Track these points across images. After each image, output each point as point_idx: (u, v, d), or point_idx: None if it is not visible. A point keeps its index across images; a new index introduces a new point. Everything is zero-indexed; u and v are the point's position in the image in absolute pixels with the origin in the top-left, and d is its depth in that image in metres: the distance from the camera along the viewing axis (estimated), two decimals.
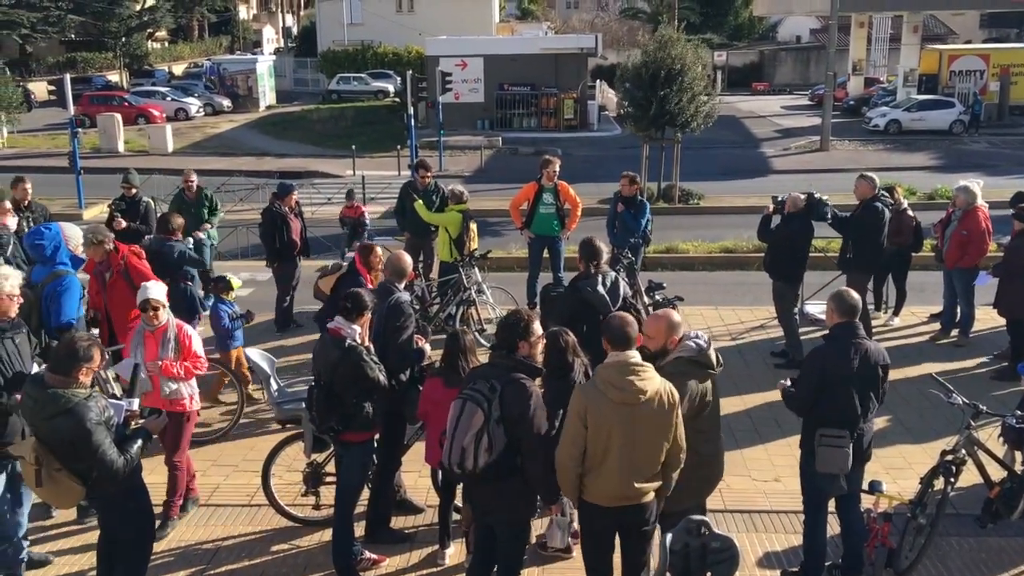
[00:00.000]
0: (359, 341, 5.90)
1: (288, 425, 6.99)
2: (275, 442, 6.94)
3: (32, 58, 54.25)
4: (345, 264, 8.98)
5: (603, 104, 42.28)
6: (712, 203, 22.07)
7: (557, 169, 11.71)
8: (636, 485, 4.78)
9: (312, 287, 9.24)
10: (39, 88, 47.92)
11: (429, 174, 12.19)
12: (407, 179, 14.72)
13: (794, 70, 60.35)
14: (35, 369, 5.80)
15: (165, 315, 6.58)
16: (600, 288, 6.95)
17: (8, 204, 10.08)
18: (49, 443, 4.91)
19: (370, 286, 7.74)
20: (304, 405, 6.21)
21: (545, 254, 11.98)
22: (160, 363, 6.43)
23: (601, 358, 4.96)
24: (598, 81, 44.50)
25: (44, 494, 5.15)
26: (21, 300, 5.98)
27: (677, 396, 4.80)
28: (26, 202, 11.33)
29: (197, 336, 6.83)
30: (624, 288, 7.21)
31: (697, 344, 5.18)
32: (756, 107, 46.80)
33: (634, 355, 4.80)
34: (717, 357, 5.24)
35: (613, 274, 7.19)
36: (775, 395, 6.64)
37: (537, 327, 5.20)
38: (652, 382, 4.74)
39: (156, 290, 6.59)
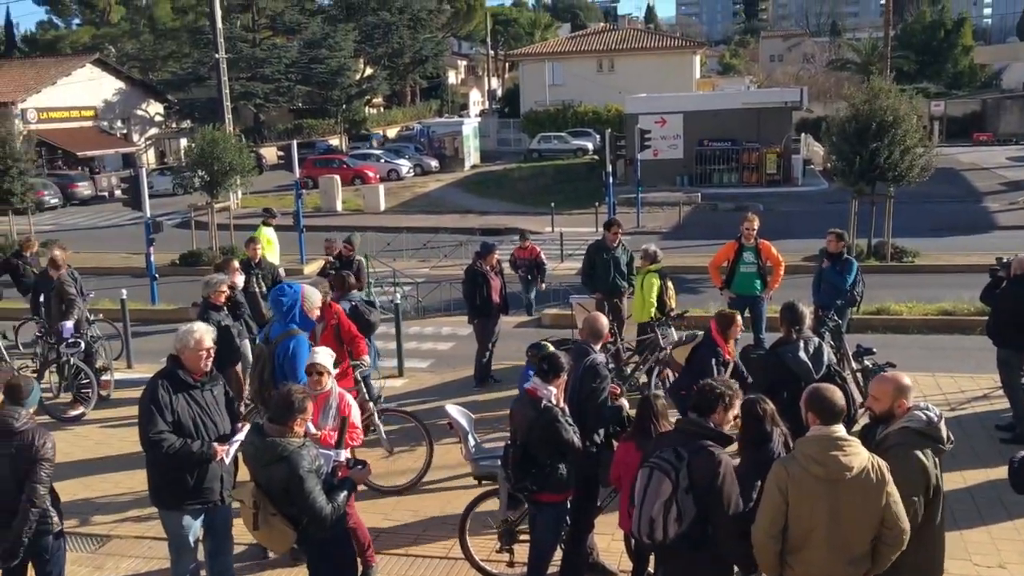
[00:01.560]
0: (555, 402, 5.96)
1: (484, 481, 7.13)
2: (472, 497, 7.09)
3: (264, 125, 59.49)
4: (700, 334, 8.68)
5: (808, 158, 40.97)
6: (928, 261, 20.74)
7: (756, 227, 11.46)
8: (844, 566, 4.52)
9: (508, 340, 9.34)
10: (270, 153, 52.26)
11: (620, 232, 12.25)
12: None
13: (1021, 119, 56.01)
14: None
15: (329, 382, 6.73)
16: (802, 355, 6.73)
17: (237, 263, 11.01)
18: (266, 488, 5.27)
19: (727, 357, 7.67)
20: (500, 463, 6.34)
21: (746, 314, 11.69)
22: (319, 432, 6.39)
23: (801, 428, 4.76)
24: (803, 134, 43.27)
25: (260, 537, 5.51)
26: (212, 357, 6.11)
27: (888, 472, 4.50)
28: (256, 260, 12.37)
29: (357, 408, 6.92)
30: (828, 355, 6.93)
31: (928, 416, 4.86)
32: (978, 159, 43.74)
33: (838, 429, 4.57)
34: (948, 434, 4.89)
35: (817, 340, 6.93)
36: (1001, 472, 6.13)
37: (739, 400, 5.09)
38: (859, 457, 4.49)
39: (323, 355, 6.77)
